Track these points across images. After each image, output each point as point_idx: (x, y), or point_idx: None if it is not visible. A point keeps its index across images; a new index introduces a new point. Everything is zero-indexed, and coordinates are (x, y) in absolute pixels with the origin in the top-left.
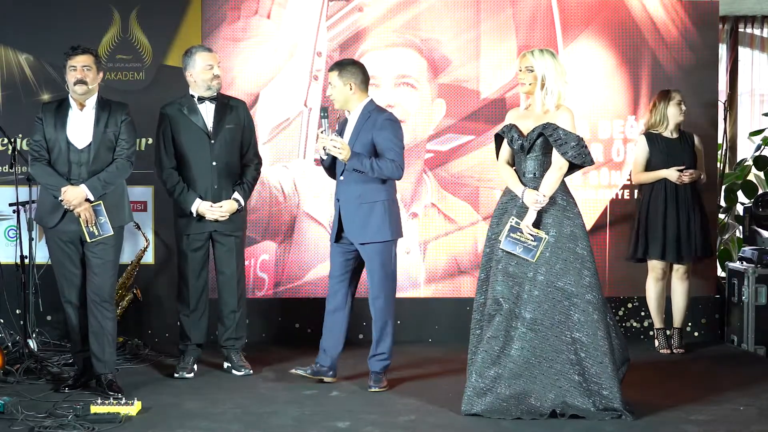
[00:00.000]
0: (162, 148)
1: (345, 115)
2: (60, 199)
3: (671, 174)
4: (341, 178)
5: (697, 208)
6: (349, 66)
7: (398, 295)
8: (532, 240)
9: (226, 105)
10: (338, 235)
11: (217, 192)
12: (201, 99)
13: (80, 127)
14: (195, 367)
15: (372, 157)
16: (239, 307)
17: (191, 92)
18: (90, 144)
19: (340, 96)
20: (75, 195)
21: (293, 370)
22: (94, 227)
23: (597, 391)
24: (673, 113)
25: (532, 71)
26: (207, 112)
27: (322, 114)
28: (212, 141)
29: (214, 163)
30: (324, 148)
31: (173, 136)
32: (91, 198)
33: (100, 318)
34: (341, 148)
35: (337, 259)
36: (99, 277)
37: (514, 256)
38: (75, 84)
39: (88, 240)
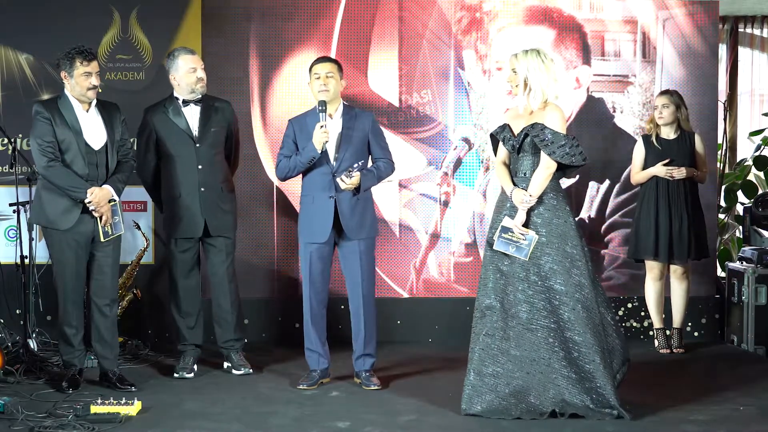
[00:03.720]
0: (143, 153)
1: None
2: (88, 200)
3: (659, 170)
4: (334, 173)
5: (691, 209)
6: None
7: (399, 295)
8: (523, 239)
9: (211, 107)
10: (337, 232)
11: (204, 194)
12: (186, 102)
13: (92, 127)
14: (195, 367)
15: (371, 169)
16: (233, 308)
17: (175, 94)
18: (106, 144)
19: (335, 90)
20: (103, 196)
21: (300, 386)
22: (108, 227)
23: (593, 388)
24: (656, 118)
25: (517, 73)
26: (192, 115)
27: (320, 108)
28: (197, 144)
29: (200, 167)
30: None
31: (157, 139)
32: (116, 198)
33: (109, 317)
34: (353, 182)
35: (319, 260)
36: (107, 276)
37: (506, 256)
38: (89, 90)
39: (103, 240)
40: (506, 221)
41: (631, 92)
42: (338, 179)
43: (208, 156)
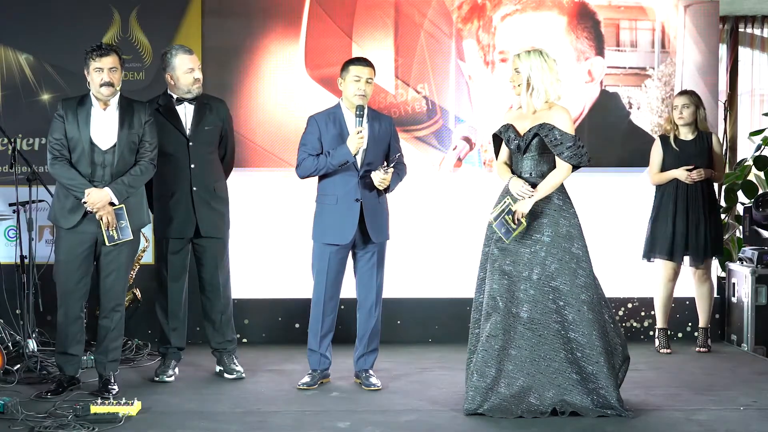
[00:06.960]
0: None
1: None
2: (83, 201)
3: (680, 174)
4: (361, 176)
5: (708, 209)
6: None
7: (398, 295)
8: (513, 224)
9: (205, 105)
10: (362, 236)
11: (197, 193)
12: (180, 100)
13: (104, 127)
14: (176, 371)
15: (396, 171)
16: (225, 310)
17: (169, 92)
18: (115, 145)
19: (370, 95)
20: (99, 198)
21: (299, 386)
22: (114, 231)
23: (595, 389)
24: (675, 118)
25: (520, 73)
26: (186, 113)
27: (358, 113)
28: (190, 143)
29: (192, 166)
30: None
31: None
32: (116, 202)
33: (110, 320)
34: (388, 178)
35: (338, 262)
36: (112, 279)
37: (509, 255)
38: (101, 86)
39: (107, 244)
40: (512, 204)
41: (648, 86)
42: (374, 174)
43: (201, 155)
